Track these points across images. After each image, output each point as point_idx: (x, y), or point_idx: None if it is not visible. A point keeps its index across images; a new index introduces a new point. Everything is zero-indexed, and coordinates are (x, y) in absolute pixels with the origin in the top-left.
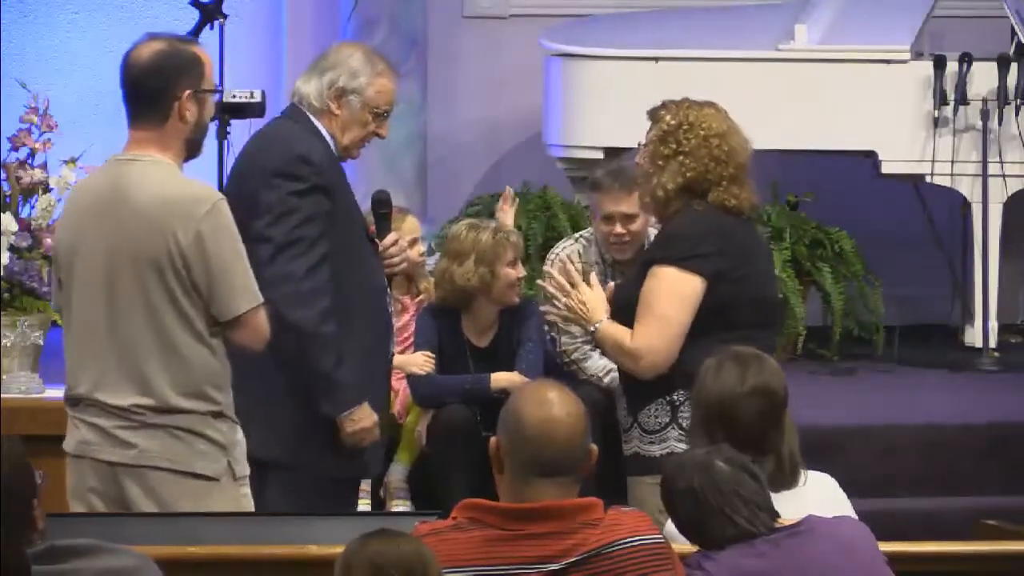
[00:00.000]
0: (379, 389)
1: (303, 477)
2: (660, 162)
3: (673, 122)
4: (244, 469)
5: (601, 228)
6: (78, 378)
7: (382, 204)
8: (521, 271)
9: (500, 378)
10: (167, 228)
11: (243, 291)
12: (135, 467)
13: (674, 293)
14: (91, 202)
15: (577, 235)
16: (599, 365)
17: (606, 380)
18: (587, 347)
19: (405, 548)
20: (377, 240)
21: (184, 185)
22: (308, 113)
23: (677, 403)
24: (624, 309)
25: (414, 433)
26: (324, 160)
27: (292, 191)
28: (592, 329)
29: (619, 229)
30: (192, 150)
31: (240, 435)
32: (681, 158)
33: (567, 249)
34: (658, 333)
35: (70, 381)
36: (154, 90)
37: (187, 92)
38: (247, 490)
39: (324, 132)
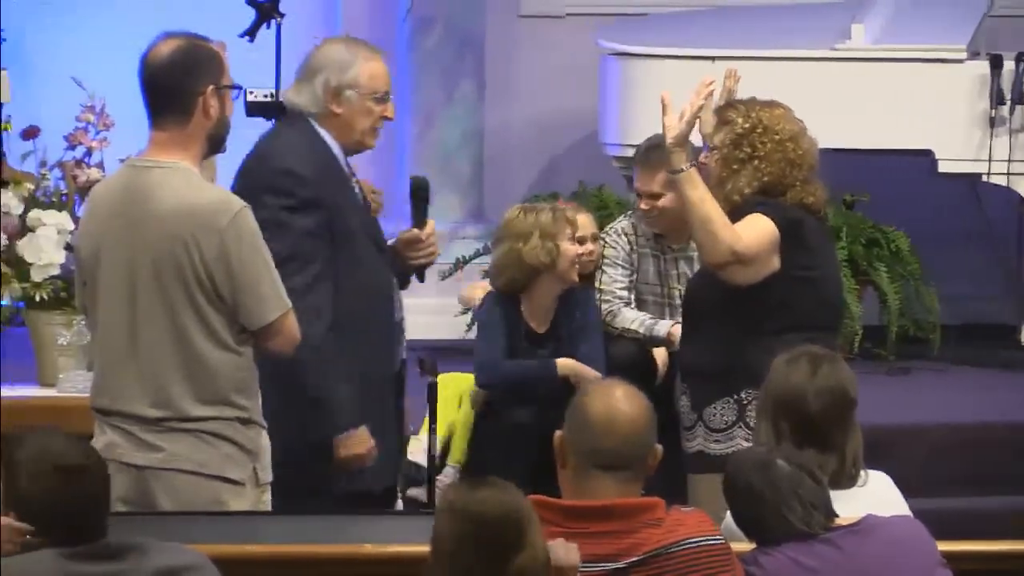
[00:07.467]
0: (380, 408)
1: (303, 494)
2: (735, 166)
3: (746, 125)
4: (267, 476)
5: (636, 200)
6: (103, 389)
7: (421, 189)
8: (588, 247)
9: (566, 364)
10: (189, 239)
11: (271, 299)
12: (162, 470)
13: (759, 225)
14: (111, 210)
15: (630, 212)
16: (630, 317)
17: (642, 330)
18: (619, 302)
19: (507, 498)
20: (416, 227)
21: (205, 193)
22: (309, 120)
23: (744, 402)
24: (694, 304)
25: (463, 434)
26: (315, 171)
27: (283, 206)
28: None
29: (643, 205)
30: (215, 147)
31: (266, 440)
32: (756, 162)
33: (622, 223)
34: (756, 241)
35: (96, 390)
36: (177, 86)
37: (210, 87)
38: (268, 497)
39: (326, 136)
